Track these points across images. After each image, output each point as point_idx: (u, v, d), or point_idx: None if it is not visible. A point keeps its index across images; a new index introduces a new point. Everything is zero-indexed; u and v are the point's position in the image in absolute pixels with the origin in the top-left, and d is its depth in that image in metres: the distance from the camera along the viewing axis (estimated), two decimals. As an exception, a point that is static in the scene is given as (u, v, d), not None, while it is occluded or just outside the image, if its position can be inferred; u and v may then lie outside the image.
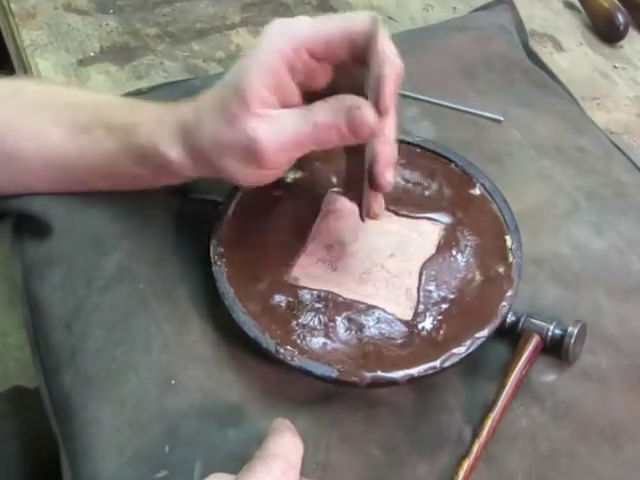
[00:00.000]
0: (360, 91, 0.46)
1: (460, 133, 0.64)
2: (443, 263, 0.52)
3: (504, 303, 0.49)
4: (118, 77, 0.73)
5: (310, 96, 0.48)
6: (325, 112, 0.46)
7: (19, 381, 0.72)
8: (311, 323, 0.49)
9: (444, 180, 0.57)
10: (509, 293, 0.50)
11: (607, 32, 0.84)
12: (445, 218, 0.55)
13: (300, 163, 0.53)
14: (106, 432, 0.47)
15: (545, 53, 0.81)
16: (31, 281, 0.54)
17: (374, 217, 0.52)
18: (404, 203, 0.55)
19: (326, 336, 0.48)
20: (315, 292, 0.50)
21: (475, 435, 0.46)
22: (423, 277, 0.51)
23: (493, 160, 0.62)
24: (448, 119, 0.65)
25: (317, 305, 0.50)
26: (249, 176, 0.49)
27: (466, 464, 0.44)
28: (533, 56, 0.76)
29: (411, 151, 0.58)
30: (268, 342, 0.47)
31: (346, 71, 0.49)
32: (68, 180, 0.55)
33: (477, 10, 0.81)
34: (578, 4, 0.88)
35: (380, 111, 0.46)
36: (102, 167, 0.54)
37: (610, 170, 0.63)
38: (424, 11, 0.85)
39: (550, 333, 0.49)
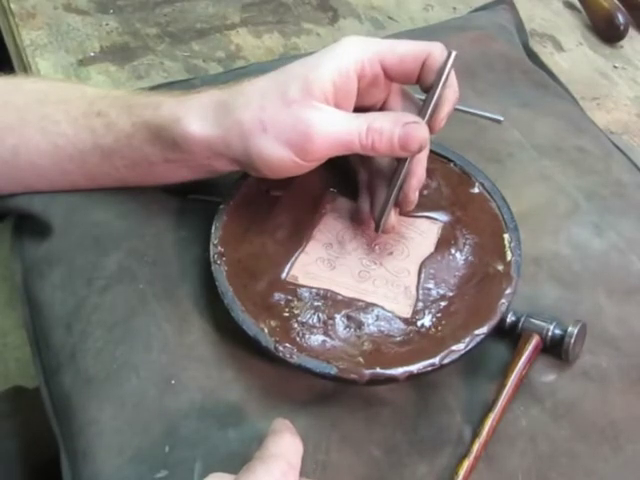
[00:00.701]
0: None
1: (460, 133, 0.64)
2: (442, 261, 0.52)
3: (503, 300, 0.49)
4: (118, 77, 0.73)
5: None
6: (382, 120, 0.47)
7: (19, 381, 0.72)
8: (310, 321, 0.49)
9: (443, 179, 0.57)
10: (508, 291, 0.50)
11: (607, 32, 0.84)
12: (444, 217, 0.55)
13: None
14: (106, 432, 0.47)
15: (545, 53, 0.81)
16: (31, 281, 0.54)
17: (390, 231, 0.53)
18: None
19: (325, 334, 0.48)
20: (314, 290, 0.50)
21: (475, 435, 0.46)
22: (422, 275, 0.51)
23: (493, 160, 0.62)
24: (448, 119, 0.65)
25: (316, 303, 0.50)
26: (276, 162, 0.48)
27: (466, 464, 0.44)
28: (533, 56, 0.76)
29: None
30: (267, 340, 0.47)
31: (398, 99, 0.51)
32: (78, 171, 0.55)
33: (477, 10, 0.81)
34: (578, 4, 0.88)
35: (432, 129, 0.49)
36: (115, 150, 0.53)
37: (610, 170, 0.63)
38: (424, 11, 0.85)
39: (550, 333, 0.49)
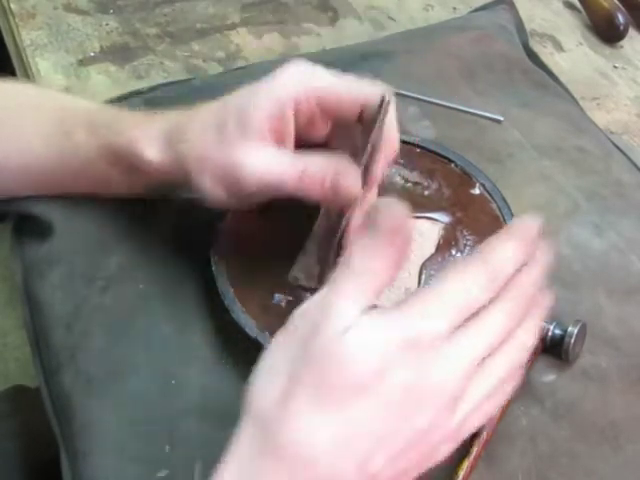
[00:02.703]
0: (353, 153, 0.47)
1: (460, 133, 0.64)
2: (443, 262, 0.52)
3: None
4: (118, 77, 0.73)
5: (301, 147, 0.49)
6: (316, 164, 0.47)
7: (19, 381, 0.72)
8: None
9: (444, 180, 0.57)
10: None
11: (607, 32, 0.84)
12: (444, 218, 0.55)
13: None
14: (106, 432, 0.47)
15: (545, 53, 0.81)
16: (31, 281, 0.54)
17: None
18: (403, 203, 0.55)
19: None
20: (315, 291, 0.50)
21: (475, 435, 0.45)
22: (423, 277, 0.51)
23: (493, 160, 0.62)
24: (448, 119, 0.65)
25: None
26: (218, 197, 0.49)
27: (466, 464, 0.44)
28: (533, 56, 0.76)
29: (411, 151, 0.58)
30: (268, 341, 0.47)
31: (344, 132, 0.50)
32: (47, 186, 0.55)
33: (477, 10, 0.81)
34: (578, 4, 0.88)
35: (367, 183, 0.48)
36: (80, 171, 0.53)
37: (610, 170, 0.63)
38: (424, 11, 0.85)
39: (550, 333, 0.49)
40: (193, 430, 0.47)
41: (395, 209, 0.36)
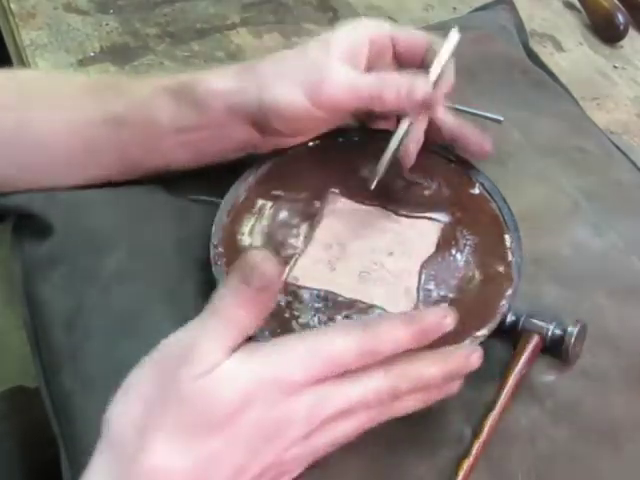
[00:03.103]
0: None
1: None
2: (442, 262, 0.52)
3: (504, 302, 0.49)
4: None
5: None
6: (392, 74, 0.52)
7: (19, 381, 0.72)
8: (311, 322, 0.49)
9: (443, 180, 0.57)
10: (509, 292, 0.50)
11: (607, 32, 0.84)
12: (444, 217, 0.55)
13: (303, 166, 0.56)
14: (106, 432, 0.47)
15: (545, 53, 0.81)
16: (31, 281, 0.54)
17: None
18: (403, 203, 0.55)
19: None
20: (315, 292, 0.50)
21: (475, 435, 0.45)
22: (422, 276, 0.51)
23: (493, 160, 0.62)
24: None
25: (317, 305, 0.50)
26: (289, 107, 0.50)
27: (466, 464, 0.44)
28: (533, 56, 0.76)
29: None
30: (267, 339, 0.47)
31: None
32: (82, 147, 0.54)
33: (477, 10, 0.81)
34: (578, 4, 0.88)
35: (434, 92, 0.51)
36: (125, 119, 0.52)
37: (610, 170, 0.63)
38: (424, 11, 0.85)
39: (550, 333, 0.49)
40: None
41: (268, 267, 0.38)
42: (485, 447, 0.45)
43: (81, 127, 0.53)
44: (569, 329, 0.49)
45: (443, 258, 0.52)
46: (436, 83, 0.52)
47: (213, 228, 0.52)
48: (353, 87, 0.50)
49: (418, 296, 0.50)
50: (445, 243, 0.53)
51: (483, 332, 0.48)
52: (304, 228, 0.54)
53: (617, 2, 0.84)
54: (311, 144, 0.57)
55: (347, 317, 0.49)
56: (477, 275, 0.51)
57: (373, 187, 0.53)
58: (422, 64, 0.53)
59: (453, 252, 0.53)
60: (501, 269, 0.51)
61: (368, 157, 0.56)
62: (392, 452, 0.46)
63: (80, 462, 0.46)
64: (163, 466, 0.36)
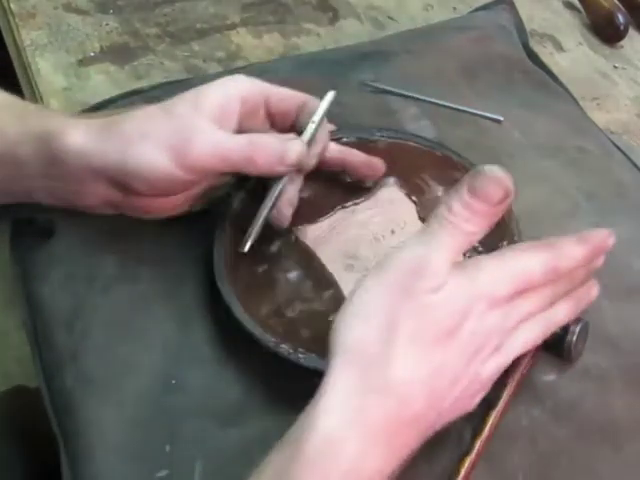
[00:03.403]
0: None
1: (460, 133, 0.64)
2: (435, 199, 0.54)
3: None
4: (118, 77, 0.73)
5: None
6: (264, 137, 0.50)
7: (19, 381, 0.72)
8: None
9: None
10: None
11: (607, 32, 0.84)
12: (391, 179, 0.57)
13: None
14: (106, 432, 0.47)
15: (545, 53, 0.81)
16: (31, 281, 0.54)
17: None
18: (354, 192, 0.56)
19: None
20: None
21: (476, 433, 0.45)
22: None
23: (493, 160, 0.61)
24: (448, 119, 0.65)
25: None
26: (153, 170, 0.48)
27: (467, 461, 0.44)
28: (533, 56, 0.76)
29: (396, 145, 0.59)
30: (269, 341, 0.47)
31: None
32: None
33: (477, 10, 0.81)
34: (578, 4, 0.88)
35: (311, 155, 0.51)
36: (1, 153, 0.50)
37: (610, 170, 0.63)
38: (424, 11, 0.85)
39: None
40: (193, 430, 0.47)
41: (503, 182, 0.41)
42: (486, 446, 0.45)
43: None
44: (571, 327, 0.49)
45: (424, 200, 0.55)
46: (310, 142, 0.51)
47: (214, 227, 0.52)
48: (221, 150, 0.48)
49: None
50: (412, 191, 0.55)
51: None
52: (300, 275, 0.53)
53: (617, 2, 0.84)
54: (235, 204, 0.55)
55: None
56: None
57: (246, 250, 0.50)
58: (295, 123, 0.52)
59: (425, 191, 0.56)
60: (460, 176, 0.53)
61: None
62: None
63: (80, 462, 0.46)
64: (407, 376, 0.38)
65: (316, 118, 0.51)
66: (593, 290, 0.48)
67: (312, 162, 0.52)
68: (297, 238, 0.54)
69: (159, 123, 0.48)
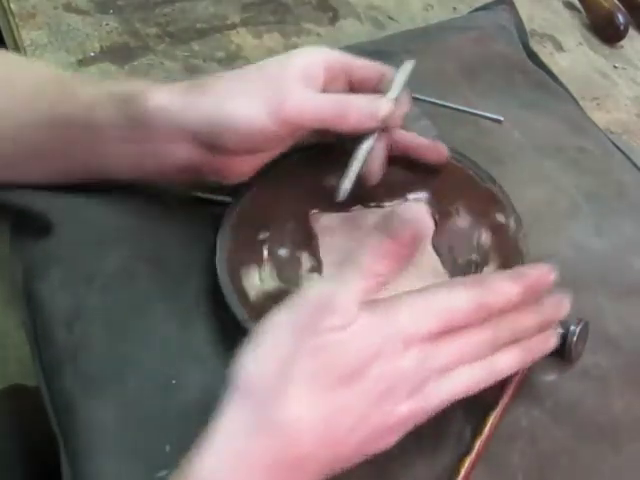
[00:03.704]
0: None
1: (460, 133, 0.64)
2: (449, 231, 0.53)
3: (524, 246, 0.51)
4: (118, 77, 0.73)
5: None
6: (352, 95, 0.51)
7: (19, 381, 0.72)
8: None
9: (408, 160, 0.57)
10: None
11: (607, 32, 0.84)
12: (425, 194, 0.55)
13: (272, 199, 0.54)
14: (106, 432, 0.47)
15: (545, 53, 0.81)
16: (31, 281, 0.54)
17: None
18: (382, 194, 0.56)
19: None
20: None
21: (477, 433, 0.45)
22: (440, 250, 0.53)
23: (493, 160, 0.62)
24: (448, 119, 0.65)
25: None
26: (247, 123, 0.48)
27: (468, 461, 0.44)
28: (533, 56, 0.76)
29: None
30: None
31: None
32: (19, 150, 0.53)
33: (477, 10, 0.81)
34: (578, 4, 0.88)
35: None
36: (70, 122, 0.51)
37: (610, 170, 0.63)
38: (424, 11, 0.85)
39: (551, 332, 0.49)
40: (193, 430, 0.47)
41: (417, 219, 0.40)
42: (486, 446, 0.45)
43: (29, 133, 0.52)
44: (571, 328, 0.49)
45: (446, 227, 0.53)
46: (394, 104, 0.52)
47: (216, 227, 0.52)
48: (315, 106, 0.49)
49: (447, 270, 0.52)
50: (439, 214, 0.54)
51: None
52: (306, 257, 0.53)
53: (617, 2, 0.84)
54: (268, 174, 0.54)
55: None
56: (485, 230, 0.53)
57: (341, 198, 0.51)
58: (375, 91, 0.53)
59: (451, 219, 0.54)
60: (501, 218, 0.53)
61: (330, 168, 0.55)
62: (393, 452, 0.46)
63: (80, 461, 0.46)
64: (297, 416, 0.37)
65: (398, 82, 0.52)
66: (549, 342, 0.45)
67: (398, 123, 0.53)
68: (308, 222, 0.54)
69: (253, 79, 0.50)
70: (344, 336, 0.38)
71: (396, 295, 0.40)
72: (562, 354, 0.49)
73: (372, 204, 0.55)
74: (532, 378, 0.49)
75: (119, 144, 0.51)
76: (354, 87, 0.54)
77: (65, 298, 0.52)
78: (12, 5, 0.79)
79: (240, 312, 0.48)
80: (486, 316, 0.41)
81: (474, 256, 0.53)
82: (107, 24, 0.78)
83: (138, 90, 0.50)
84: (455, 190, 0.55)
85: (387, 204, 0.55)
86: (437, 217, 0.54)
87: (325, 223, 0.55)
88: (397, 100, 0.52)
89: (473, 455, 0.45)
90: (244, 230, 0.53)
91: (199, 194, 0.57)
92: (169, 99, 0.50)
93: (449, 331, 0.40)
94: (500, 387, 0.47)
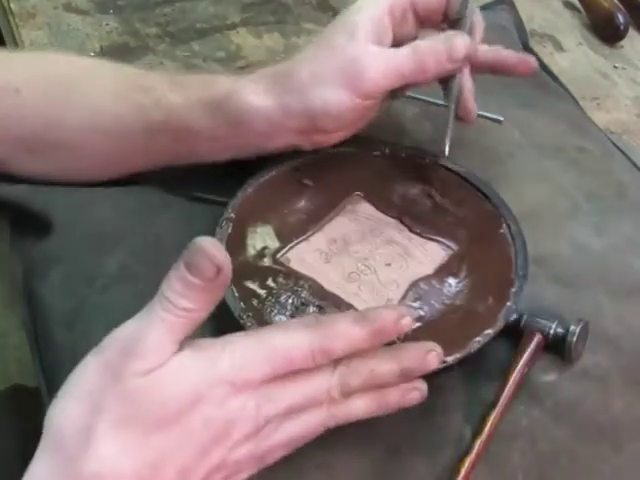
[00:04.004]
0: None
1: (460, 133, 0.64)
2: (435, 286, 0.51)
3: (478, 338, 0.47)
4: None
5: None
6: (425, 42, 0.51)
7: (19, 381, 0.72)
8: (282, 301, 0.49)
9: (471, 212, 0.55)
10: (487, 331, 0.48)
11: (607, 32, 0.84)
12: (456, 246, 0.53)
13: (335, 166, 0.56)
14: (106, 432, 0.46)
15: (545, 53, 0.81)
16: (31, 280, 0.54)
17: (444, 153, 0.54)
18: (422, 222, 0.55)
19: (291, 317, 0.48)
20: (300, 275, 0.50)
21: (477, 433, 0.45)
22: (410, 292, 0.50)
23: (493, 160, 0.62)
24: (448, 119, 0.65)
25: (296, 287, 0.50)
26: (338, 107, 0.50)
27: (467, 461, 0.44)
28: (533, 56, 0.76)
29: (450, 178, 0.58)
30: (236, 306, 0.48)
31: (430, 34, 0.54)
32: (114, 150, 0.54)
33: (477, 10, 0.81)
34: (578, 4, 0.88)
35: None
36: (164, 127, 0.53)
37: (610, 170, 0.63)
38: (424, 11, 0.85)
39: (552, 332, 0.49)
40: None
41: (215, 256, 0.36)
42: (486, 446, 0.45)
43: (120, 139, 0.54)
44: (571, 328, 0.49)
45: (437, 282, 0.51)
46: (470, 32, 0.52)
47: (215, 227, 0.52)
48: (392, 66, 0.50)
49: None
50: (445, 269, 0.52)
51: (450, 359, 0.46)
52: (317, 219, 0.54)
53: (617, 2, 0.84)
54: (348, 149, 0.57)
55: (320, 307, 0.49)
56: (464, 308, 0.50)
57: (447, 153, 0.54)
58: (444, 18, 0.53)
59: (450, 280, 0.51)
60: (492, 309, 0.49)
61: (398, 170, 0.57)
62: (393, 452, 0.46)
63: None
64: (109, 468, 0.35)
65: (465, 4, 0.52)
66: (410, 395, 0.42)
67: (478, 50, 0.53)
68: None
69: (326, 62, 0.51)
70: (154, 380, 0.36)
71: (227, 336, 0.39)
72: (562, 354, 0.49)
73: (407, 223, 0.55)
74: (532, 378, 0.49)
75: (216, 142, 0.53)
76: (423, 21, 0.54)
77: (65, 298, 0.52)
78: (12, 5, 0.79)
79: (239, 312, 0.48)
80: (327, 359, 0.39)
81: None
82: (107, 24, 0.79)
83: (226, 94, 0.51)
84: (484, 260, 0.53)
85: (417, 233, 0.54)
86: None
87: (357, 208, 0.56)
88: (472, 28, 0.52)
89: (473, 455, 0.44)
90: (243, 230, 0.53)
91: (199, 194, 0.57)
92: (262, 99, 0.51)
93: (287, 374, 0.38)
94: (501, 386, 0.47)
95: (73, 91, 0.54)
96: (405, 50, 0.50)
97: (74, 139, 0.54)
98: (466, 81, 0.54)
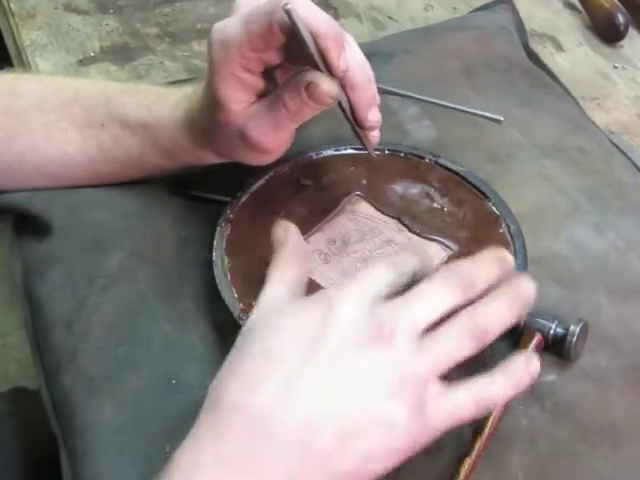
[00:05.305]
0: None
1: (460, 133, 0.64)
2: None
3: None
4: (118, 77, 0.73)
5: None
6: (289, 94, 0.47)
7: (19, 382, 0.72)
8: None
9: (471, 212, 0.55)
10: None
11: (607, 32, 0.84)
12: (455, 246, 0.53)
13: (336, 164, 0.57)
14: (106, 432, 0.47)
15: (545, 53, 0.81)
16: (31, 281, 0.54)
17: (375, 145, 0.54)
18: (421, 222, 0.55)
19: None
20: None
21: (476, 434, 0.45)
22: None
23: (493, 160, 0.62)
24: (448, 119, 0.65)
25: None
26: (256, 157, 0.52)
27: (467, 462, 0.44)
28: (533, 56, 0.76)
29: (450, 178, 0.58)
30: (235, 306, 0.48)
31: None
32: (88, 175, 0.56)
33: (477, 10, 0.81)
34: (578, 4, 0.88)
35: (336, 76, 0.47)
36: (126, 161, 0.55)
37: (610, 170, 0.63)
38: (424, 11, 0.85)
39: (552, 331, 0.49)
40: (193, 430, 0.47)
41: (294, 238, 0.45)
42: (486, 446, 0.45)
43: (85, 161, 0.56)
44: (571, 327, 0.49)
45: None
46: (325, 53, 0.46)
47: (215, 227, 0.52)
48: (273, 127, 0.49)
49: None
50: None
51: None
52: (316, 220, 0.54)
53: (617, 2, 0.84)
54: (348, 149, 0.59)
55: None
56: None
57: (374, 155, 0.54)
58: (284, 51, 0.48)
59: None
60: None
61: (398, 170, 0.58)
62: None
63: (80, 462, 0.46)
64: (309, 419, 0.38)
65: (306, 36, 0.44)
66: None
67: (343, 69, 0.47)
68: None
69: (220, 134, 0.51)
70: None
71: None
72: (562, 354, 0.49)
73: (406, 223, 0.55)
74: (532, 378, 0.49)
75: (168, 165, 0.56)
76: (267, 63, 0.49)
77: (65, 298, 0.52)
78: (12, 5, 0.79)
79: (239, 312, 0.48)
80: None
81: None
82: (107, 24, 0.79)
83: (161, 128, 0.54)
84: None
85: (416, 233, 0.54)
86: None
87: (357, 208, 0.56)
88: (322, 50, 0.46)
89: (473, 455, 0.45)
90: (242, 229, 0.53)
91: (199, 194, 0.57)
92: (185, 136, 0.53)
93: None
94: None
95: (35, 121, 0.56)
96: (277, 107, 0.48)
97: (42, 167, 0.56)
98: (354, 95, 0.49)
